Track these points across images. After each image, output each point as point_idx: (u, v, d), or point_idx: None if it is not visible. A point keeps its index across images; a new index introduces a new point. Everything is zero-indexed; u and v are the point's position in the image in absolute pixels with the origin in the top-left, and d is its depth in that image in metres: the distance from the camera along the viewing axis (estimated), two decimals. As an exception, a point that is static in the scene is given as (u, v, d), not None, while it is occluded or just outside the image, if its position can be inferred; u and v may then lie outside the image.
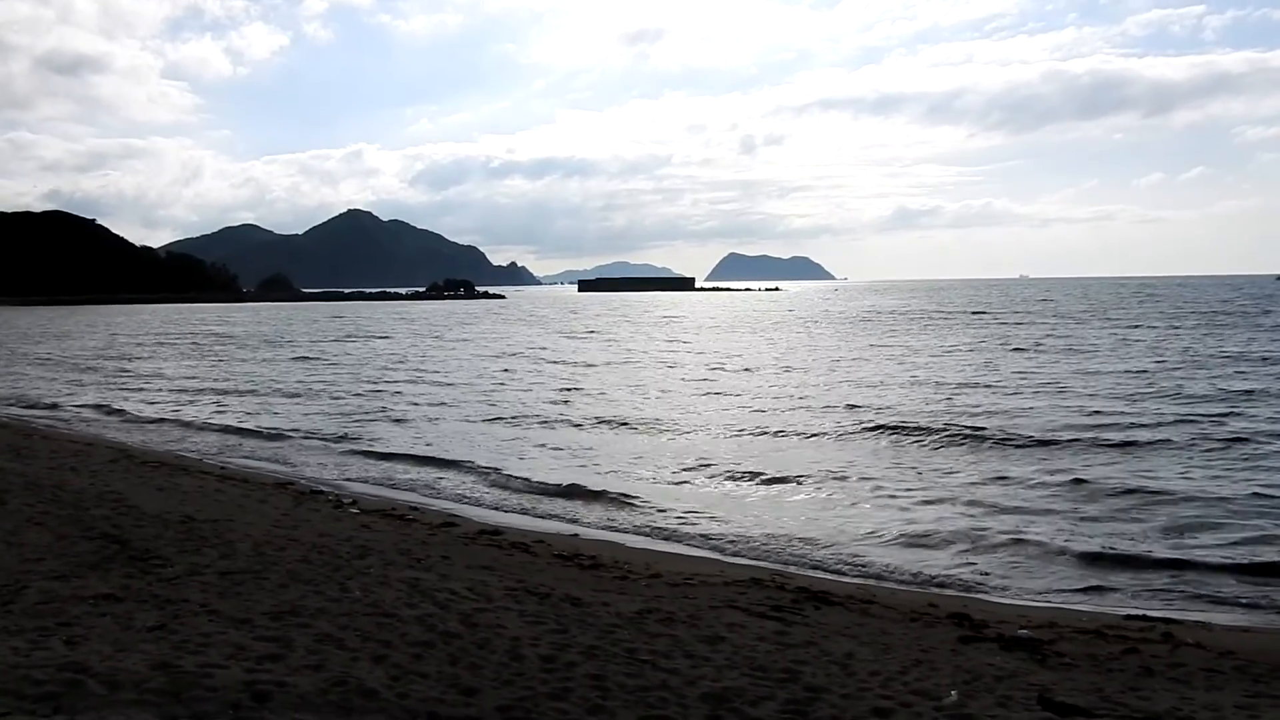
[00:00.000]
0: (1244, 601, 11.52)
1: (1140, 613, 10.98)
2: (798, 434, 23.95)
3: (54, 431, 25.23)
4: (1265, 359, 40.70)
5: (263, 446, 24.03)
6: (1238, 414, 25.04)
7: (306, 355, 55.98)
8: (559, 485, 18.46)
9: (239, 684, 6.09)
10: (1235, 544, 13.59)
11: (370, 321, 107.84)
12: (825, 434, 23.88)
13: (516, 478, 19.27)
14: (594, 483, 18.54)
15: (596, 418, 27.50)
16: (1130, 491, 16.49)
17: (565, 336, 74.04)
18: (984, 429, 23.20)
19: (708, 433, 24.81)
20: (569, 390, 35.35)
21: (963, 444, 21.67)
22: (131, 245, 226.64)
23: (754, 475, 19.04)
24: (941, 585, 12.42)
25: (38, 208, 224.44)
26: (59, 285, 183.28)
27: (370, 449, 23.22)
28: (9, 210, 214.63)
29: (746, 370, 41.98)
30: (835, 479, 18.62)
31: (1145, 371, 36.39)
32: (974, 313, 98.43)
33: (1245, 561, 12.76)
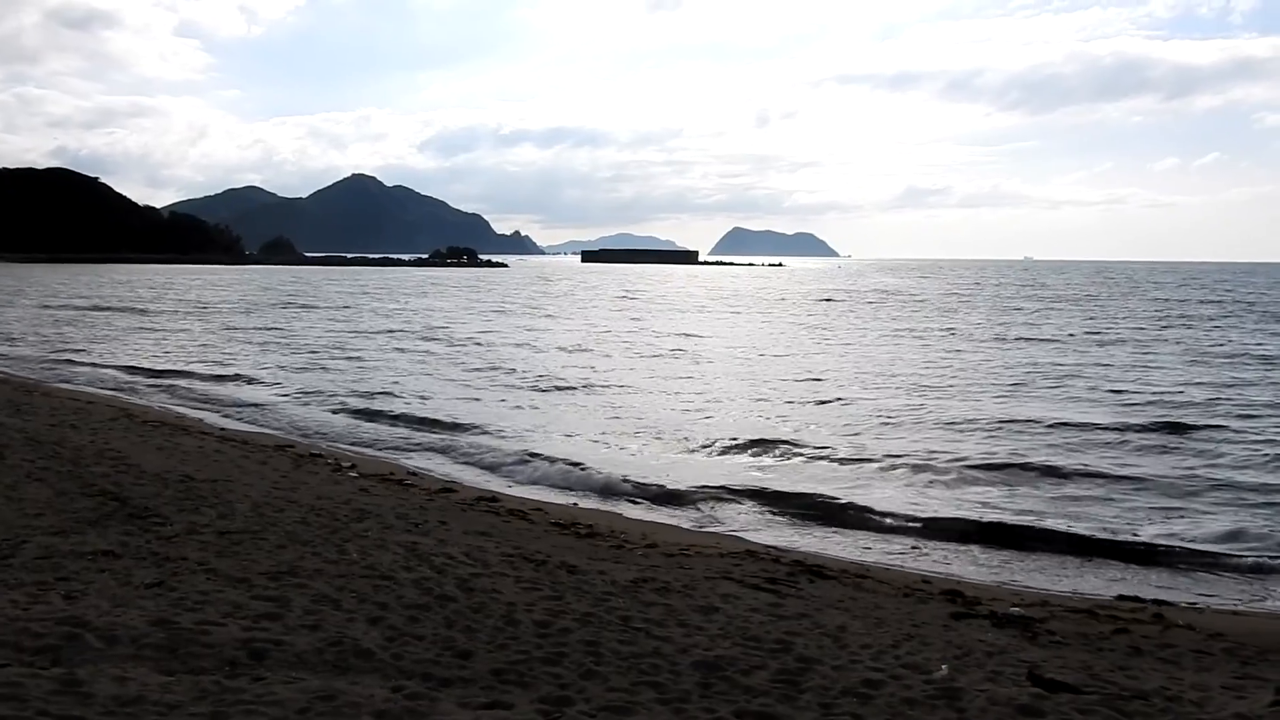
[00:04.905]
0: (1234, 585, 11.60)
1: (1132, 593, 11.05)
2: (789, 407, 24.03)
3: (54, 389, 25.27)
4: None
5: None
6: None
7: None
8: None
9: (236, 641, 6.15)
10: (1224, 528, 13.62)
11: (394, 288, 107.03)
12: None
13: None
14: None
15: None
16: (1117, 478, 16.41)
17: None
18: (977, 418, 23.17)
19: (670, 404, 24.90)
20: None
21: (949, 427, 21.53)
22: (134, 204, 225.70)
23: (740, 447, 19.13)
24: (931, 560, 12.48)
25: (43, 164, 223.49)
26: (61, 243, 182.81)
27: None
28: (14, 166, 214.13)
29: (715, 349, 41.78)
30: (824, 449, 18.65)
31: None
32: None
33: (1236, 548, 12.78)
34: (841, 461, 17.87)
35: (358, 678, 5.83)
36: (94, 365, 32.14)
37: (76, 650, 5.75)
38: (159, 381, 28.53)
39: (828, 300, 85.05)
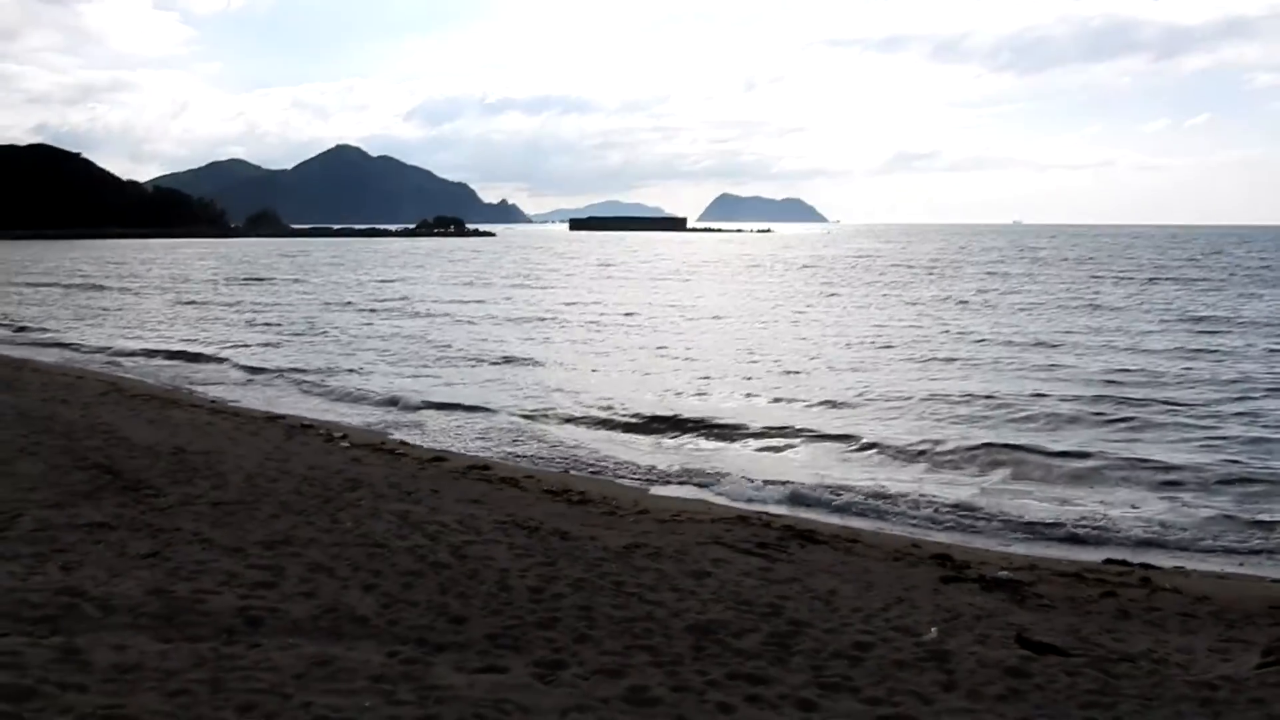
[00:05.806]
0: (1221, 548, 11.72)
1: (1119, 558, 11.16)
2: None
3: (43, 365, 25.19)
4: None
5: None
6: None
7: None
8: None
9: (232, 609, 6.20)
10: (1214, 494, 13.75)
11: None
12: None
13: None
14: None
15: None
16: (1102, 456, 16.34)
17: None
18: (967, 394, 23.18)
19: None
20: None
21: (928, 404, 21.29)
22: (118, 179, 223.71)
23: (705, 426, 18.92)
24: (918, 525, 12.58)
25: (24, 141, 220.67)
26: (44, 219, 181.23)
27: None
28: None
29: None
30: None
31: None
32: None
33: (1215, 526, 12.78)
34: (819, 438, 17.66)
35: (353, 644, 5.88)
36: (59, 345, 31.64)
37: (75, 620, 5.79)
38: (126, 360, 27.98)
39: (808, 267, 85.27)
